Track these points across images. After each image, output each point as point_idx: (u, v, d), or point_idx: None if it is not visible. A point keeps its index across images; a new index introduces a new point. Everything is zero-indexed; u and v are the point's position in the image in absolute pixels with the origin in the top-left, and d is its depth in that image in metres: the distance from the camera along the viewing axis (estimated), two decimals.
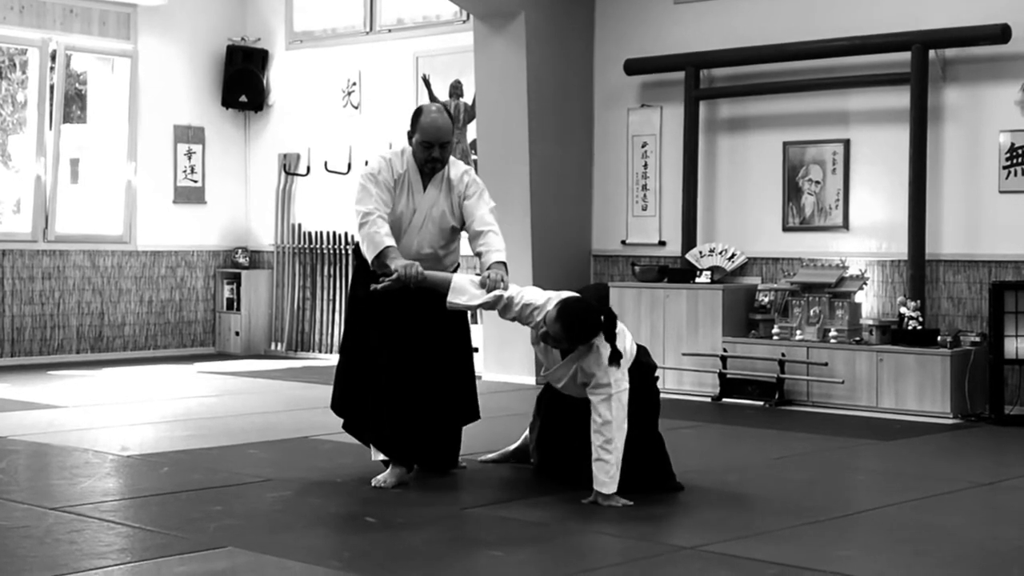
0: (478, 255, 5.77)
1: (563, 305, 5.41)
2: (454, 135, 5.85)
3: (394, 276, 5.53)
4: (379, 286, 5.60)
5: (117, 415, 8.17)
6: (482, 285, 5.52)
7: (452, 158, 5.89)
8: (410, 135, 5.86)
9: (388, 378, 5.80)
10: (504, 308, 5.51)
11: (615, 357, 5.42)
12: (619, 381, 5.44)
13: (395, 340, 5.79)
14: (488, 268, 5.62)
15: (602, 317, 5.45)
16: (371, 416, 5.86)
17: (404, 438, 5.83)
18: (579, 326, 5.40)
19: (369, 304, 5.78)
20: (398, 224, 5.77)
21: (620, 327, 5.59)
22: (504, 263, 5.65)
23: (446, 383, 5.94)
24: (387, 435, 5.83)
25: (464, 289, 5.53)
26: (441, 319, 5.76)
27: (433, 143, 5.71)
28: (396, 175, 5.77)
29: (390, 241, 5.63)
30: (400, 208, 5.78)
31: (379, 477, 5.85)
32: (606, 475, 5.40)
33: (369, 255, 5.68)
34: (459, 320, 5.97)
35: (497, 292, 5.49)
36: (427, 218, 5.79)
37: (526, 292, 5.56)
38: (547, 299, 5.51)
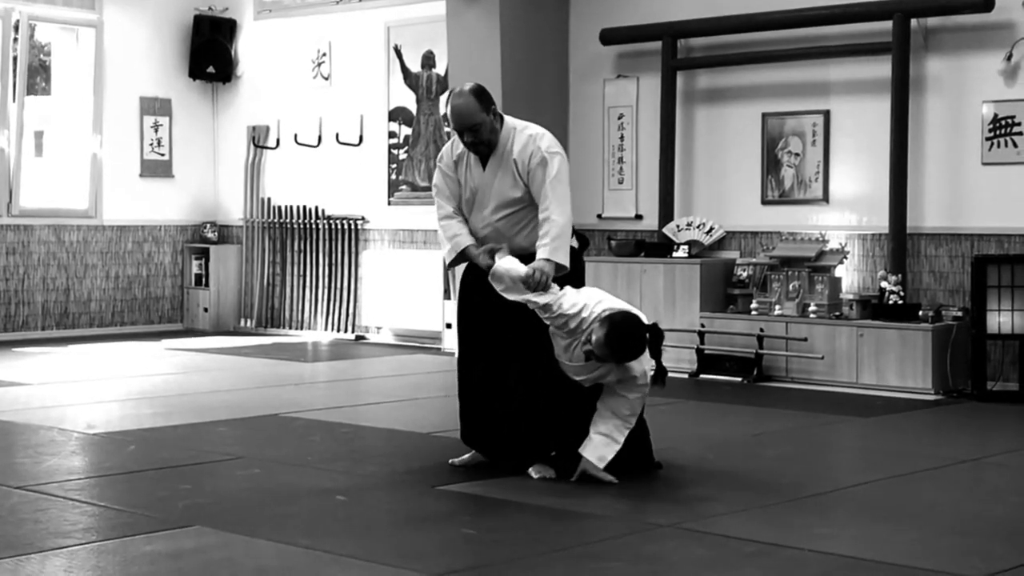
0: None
1: (612, 326, 5.21)
2: (489, 114, 5.55)
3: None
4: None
5: (83, 392, 8.09)
6: (525, 281, 5.34)
7: (519, 122, 5.66)
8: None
9: (466, 369, 5.70)
10: (541, 309, 5.36)
11: (661, 376, 5.41)
12: (646, 376, 5.41)
13: (487, 334, 5.64)
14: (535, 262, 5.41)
15: (648, 335, 5.33)
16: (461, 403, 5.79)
17: (481, 428, 5.72)
18: (628, 348, 5.28)
19: (472, 304, 5.69)
20: (471, 201, 5.66)
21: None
22: (551, 260, 5.38)
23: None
24: (469, 422, 5.74)
25: (502, 277, 5.38)
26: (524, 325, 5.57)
27: (460, 130, 5.54)
28: (456, 156, 5.67)
29: (468, 240, 5.58)
30: (467, 186, 5.66)
31: (458, 460, 5.78)
32: (609, 451, 5.37)
33: (448, 257, 5.65)
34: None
35: (544, 299, 5.31)
36: (490, 195, 5.61)
37: (564, 300, 5.34)
38: (583, 305, 5.30)
